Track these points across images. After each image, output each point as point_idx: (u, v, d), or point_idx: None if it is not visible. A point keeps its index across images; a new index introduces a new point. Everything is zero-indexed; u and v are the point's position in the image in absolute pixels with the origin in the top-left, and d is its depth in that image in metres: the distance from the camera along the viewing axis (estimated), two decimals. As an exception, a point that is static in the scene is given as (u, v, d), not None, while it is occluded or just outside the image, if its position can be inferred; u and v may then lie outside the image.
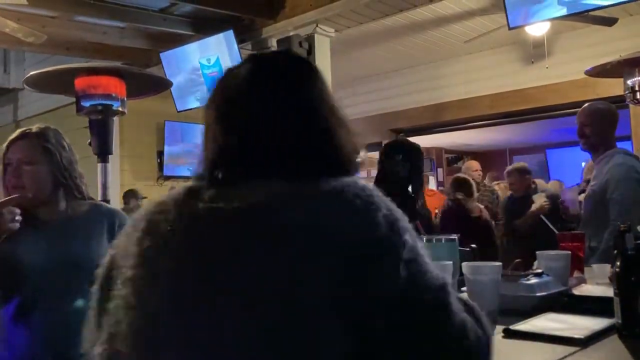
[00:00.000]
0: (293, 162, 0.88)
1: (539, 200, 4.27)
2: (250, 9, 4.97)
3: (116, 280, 0.85)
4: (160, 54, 5.33)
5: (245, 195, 0.83)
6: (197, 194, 0.87)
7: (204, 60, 5.21)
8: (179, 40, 5.30)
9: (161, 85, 3.66)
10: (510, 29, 4.16)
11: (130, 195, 5.93)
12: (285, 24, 4.97)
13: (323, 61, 5.06)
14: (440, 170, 10.42)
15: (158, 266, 0.83)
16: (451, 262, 1.47)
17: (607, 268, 1.88)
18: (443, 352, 0.80)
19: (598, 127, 2.90)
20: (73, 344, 0.99)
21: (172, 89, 4.32)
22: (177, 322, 0.78)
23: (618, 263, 1.22)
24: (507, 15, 4.05)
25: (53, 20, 4.96)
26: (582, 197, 3.19)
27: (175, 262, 0.82)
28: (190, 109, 5.31)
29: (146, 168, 6.63)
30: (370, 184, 0.91)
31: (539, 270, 1.63)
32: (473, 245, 2.27)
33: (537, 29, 5.14)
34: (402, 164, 2.70)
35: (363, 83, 7.46)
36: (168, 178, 6.64)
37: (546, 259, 1.74)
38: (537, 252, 1.79)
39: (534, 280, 1.54)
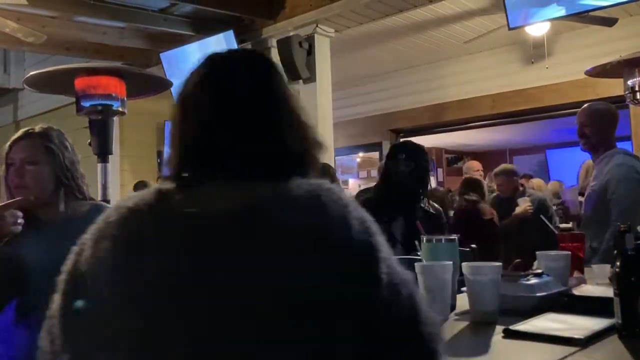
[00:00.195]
0: (260, 162, 0.88)
1: (523, 205, 4.29)
2: (250, 9, 4.97)
3: (88, 288, 0.83)
4: (160, 54, 5.34)
5: (231, 197, 0.83)
6: (173, 196, 0.86)
7: (204, 60, 5.21)
8: (179, 41, 5.30)
9: (161, 85, 3.66)
10: (510, 29, 4.17)
11: (141, 187, 5.93)
12: (285, 24, 4.97)
13: (323, 61, 5.06)
14: (440, 170, 10.43)
15: (150, 271, 0.81)
16: (451, 262, 1.47)
17: (607, 268, 1.88)
18: (413, 343, 0.82)
19: (598, 127, 2.90)
20: None
21: (172, 89, 4.32)
22: (178, 324, 0.78)
23: (618, 263, 1.23)
24: (507, 16, 4.06)
25: (53, 20, 4.96)
26: (580, 199, 3.19)
27: (169, 266, 0.81)
28: (190, 109, 5.30)
29: (146, 168, 6.62)
30: (338, 187, 0.92)
31: (539, 271, 1.63)
32: (473, 246, 2.27)
33: (537, 29, 5.14)
34: (405, 163, 2.69)
35: (363, 83, 7.46)
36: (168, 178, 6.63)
37: (546, 259, 1.74)
38: (537, 252, 1.79)
39: (534, 280, 1.54)
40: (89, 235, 0.88)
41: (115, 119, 3.16)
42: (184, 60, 5.26)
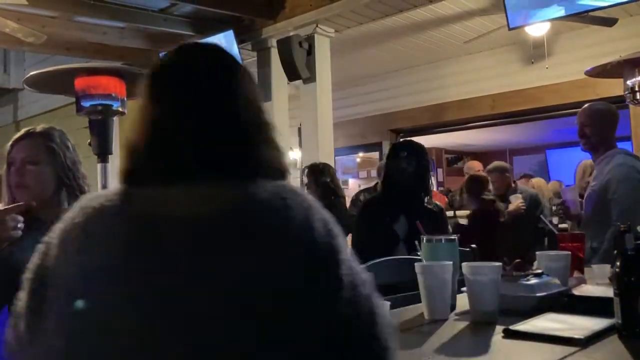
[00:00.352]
0: (223, 164, 0.89)
1: (515, 202, 4.29)
2: (250, 9, 4.97)
3: (54, 287, 0.84)
4: (160, 54, 5.33)
5: (196, 199, 0.84)
6: (138, 197, 0.87)
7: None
8: (179, 41, 5.28)
9: (161, 85, 3.65)
10: (510, 29, 4.17)
11: None
12: (285, 24, 4.98)
13: (323, 61, 5.07)
14: (440, 170, 10.43)
15: (116, 270, 0.81)
16: (451, 262, 1.47)
17: (607, 268, 1.89)
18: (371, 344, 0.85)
19: (598, 127, 2.90)
20: None
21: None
22: (132, 323, 0.79)
23: (618, 263, 1.23)
24: (507, 16, 4.06)
25: (53, 21, 4.96)
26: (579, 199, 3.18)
27: (136, 266, 0.81)
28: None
29: (146, 168, 6.61)
30: (300, 188, 0.92)
31: (539, 271, 1.63)
32: (473, 246, 2.27)
33: (537, 30, 5.14)
34: (407, 161, 2.69)
35: (363, 83, 7.46)
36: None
37: (546, 259, 1.74)
38: (537, 253, 1.79)
39: (534, 281, 1.54)
40: (55, 234, 0.89)
41: (115, 118, 3.16)
42: (184, 60, 5.26)
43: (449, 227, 3.17)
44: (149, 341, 0.78)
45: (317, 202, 0.89)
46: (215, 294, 0.78)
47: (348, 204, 4.58)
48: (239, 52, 5.01)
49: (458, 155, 11.21)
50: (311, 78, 5.00)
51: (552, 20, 4.17)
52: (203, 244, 0.81)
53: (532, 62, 5.94)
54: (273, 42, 5.15)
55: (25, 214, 1.67)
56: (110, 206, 0.86)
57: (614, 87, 4.55)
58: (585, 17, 4.34)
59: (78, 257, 0.84)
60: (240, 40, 5.05)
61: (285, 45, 4.88)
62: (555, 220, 4.43)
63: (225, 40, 4.98)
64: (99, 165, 3.09)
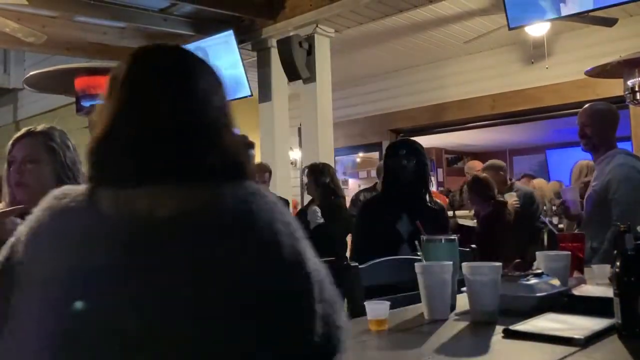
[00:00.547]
0: (188, 166, 0.90)
1: (509, 200, 4.29)
2: (250, 9, 4.97)
3: (21, 285, 0.85)
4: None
5: (164, 201, 0.85)
6: (105, 197, 0.87)
7: (204, 60, 5.22)
8: (179, 41, 5.30)
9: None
10: (510, 29, 4.16)
11: None
12: (285, 24, 4.98)
13: (323, 61, 5.07)
14: (440, 170, 10.43)
15: (84, 269, 0.82)
16: (451, 262, 1.47)
17: (607, 268, 1.89)
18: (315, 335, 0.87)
19: (599, 127, 2.90)
20: None
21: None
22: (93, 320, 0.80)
23: (618, 263, 1.23)
24: (507, 16, 4.05)
25: (53, 20, 4.96)
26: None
27: (101, 265, 0.82)
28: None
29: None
30: (264, 189, 0.94)
31: (539, 271, 1.63)
32: (473, 246, 2.27)
33: (537, 30, 5.14)
34: (407, 158, 2.69)
35: (363, 83, 7.46)
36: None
37: (546, 259, 1.74)
38: (537, 253, 1.79)
39: (534, 281, 1.54)
40: (22, 234, 0.89)
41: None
42: (184, 60, 5.26)
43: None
44: (126, 339, 0.79)
45: (281, 204, 0.91)
46: (185, 293, 0.80)
47: (348, 204, 4.58)
48: (239, 52, 5.01)
49: (458, 155, 11.21)
50: (311, 78, 5.00)
51: (552, 20, 4.16)
52: (171, 243, 0.83)
53: (532, 62, 5.94)
54: (273, 42, 5.15)
55: (23, 217, 1.67)
56: (78, 206, 0.88)
57: (614, 87, 4.56)
58: (585, 17, 4.34)
59: (47, 256, 0.85)
60: (240, 40, 5.05)
61: (285, 45, 4.88)
62: (555, 220, 4.43)
63: (225, 40, 4.99)
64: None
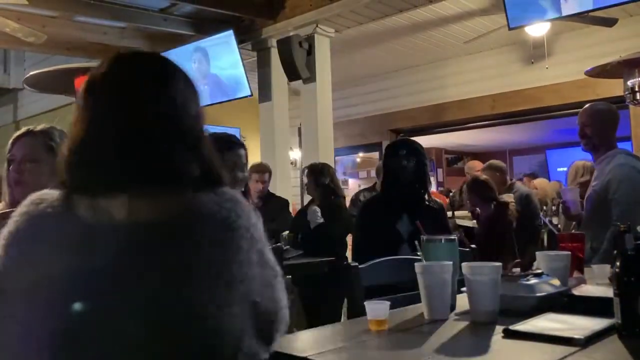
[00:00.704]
0: (158, 174, 0.91)
1: (506, 200, 4.28)
2: (250, 9, 4.97)
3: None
4: (160, 54, 5.33)
5: (139, 208, 0.88)
6: (80, 204, 0.89)
7: (204, 60, 5.22)
8: (179, 41, 5.31)
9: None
10: (510, 29, 4.16)
11: None
12: (285, 24, 4.98)
13: (323, 61, 5.07)
14: (440, 170, 10.43)
15: (62, 273, 0.84)
16: (451, 262, 1.47)
17: (607, 269, 1.88)
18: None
19: (599, 127, 2.90)
20: None
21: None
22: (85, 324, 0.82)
23: (618, 263, 1.23)
24: (507, 16, 4.05)
25: (53, 20, 4.96)
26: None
27: (77, 270, 0.84)
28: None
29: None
30: (239, 196, 0.97)
31: (539, 271, 1.63)
32: (473, 246, 2.27)
33: (537, 30, 5.14)
34: (407, 158, 2.69)
35: (363, 83, 7.46)
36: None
37: (546, 259, 1.74)
38: (537, 253, 1.79)
39: (533, 281, 1.54)
40: (1, 238, 0.90)
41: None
42: (184, 61, 5.26)
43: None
44: (116, 334, 0.81)
45: (250, 210, 0.96)
46: (168, 297, 0.84)
47: (348, 204, 4.58)
48: (239, 52, 5.01)
49: (458, 155, 11.21)
50: (311, 78, 5.00)
51: (552, 20, 4.16)
52: (152, 248, 0.86)
53: (532, 62, 5.94)
54: (273, 42, 5.15)
55: None
56: (54, 212, 0.89)
57: (614, 87, 4.55)
58: (585, 17, 4.34)
59: (26, 260, 0.86)
60: (240, 40, 5.05)
61: (285, 45, 4.88)
62: (555, 220, 4.43)
63: (225, 40, 4.99)
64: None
